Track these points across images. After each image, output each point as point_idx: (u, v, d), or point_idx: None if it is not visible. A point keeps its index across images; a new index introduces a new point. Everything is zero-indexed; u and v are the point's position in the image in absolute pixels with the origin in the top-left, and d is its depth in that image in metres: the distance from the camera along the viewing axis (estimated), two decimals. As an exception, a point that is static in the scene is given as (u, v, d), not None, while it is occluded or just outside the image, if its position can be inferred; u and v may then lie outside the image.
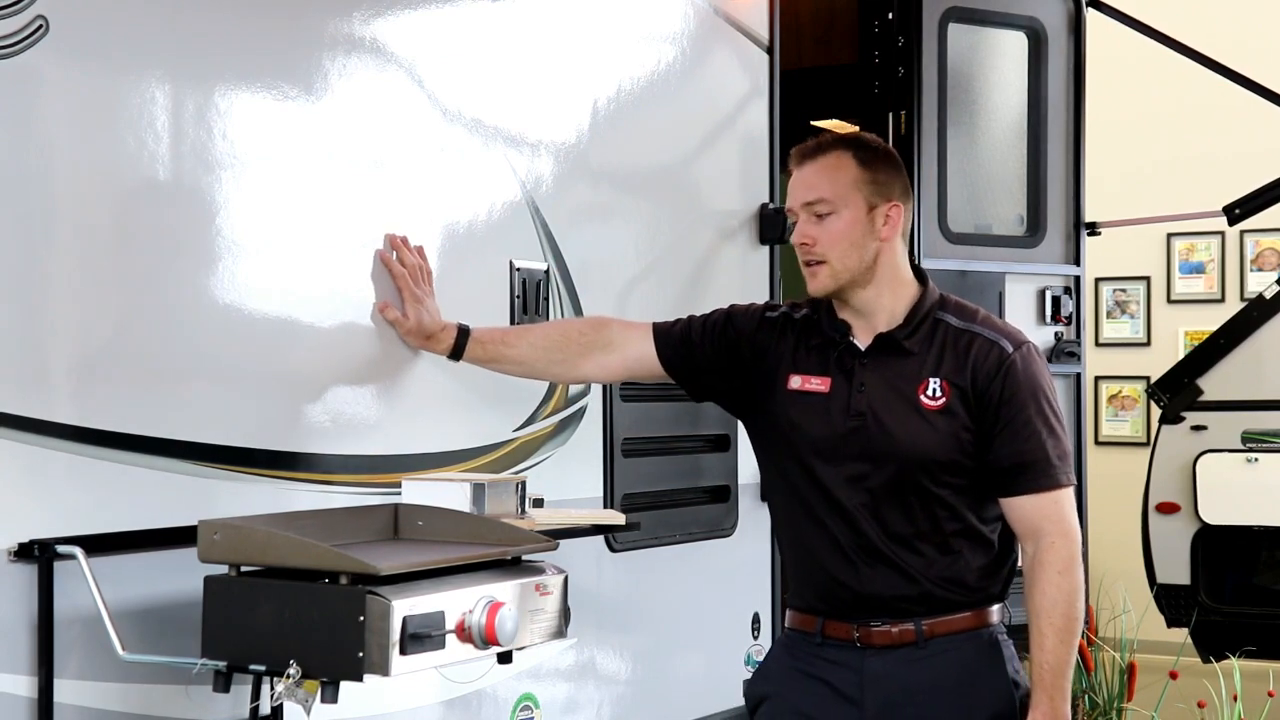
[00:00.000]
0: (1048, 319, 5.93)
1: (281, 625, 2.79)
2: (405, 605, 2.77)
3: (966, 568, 3.05)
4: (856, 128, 6.06)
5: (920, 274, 3.18)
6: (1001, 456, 3.03)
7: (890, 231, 3.10)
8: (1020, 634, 3.04)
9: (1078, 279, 6.04)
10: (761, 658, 4.20)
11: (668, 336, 3.34)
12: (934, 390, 3.04)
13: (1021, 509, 3.04)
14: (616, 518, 3.84)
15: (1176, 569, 6.66)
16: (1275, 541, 6.62)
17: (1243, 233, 8.74)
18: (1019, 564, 3.14)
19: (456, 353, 3.48)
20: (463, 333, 3.48)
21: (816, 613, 3.12)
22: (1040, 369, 3.10)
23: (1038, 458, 3.03)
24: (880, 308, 3.10)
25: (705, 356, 3.28)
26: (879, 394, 3.06)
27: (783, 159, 4.95)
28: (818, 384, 3.12)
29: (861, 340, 3.10)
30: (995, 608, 3.10)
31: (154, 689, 3.03)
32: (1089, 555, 5.99)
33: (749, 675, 3.64)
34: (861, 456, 3.03)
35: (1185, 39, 6.16)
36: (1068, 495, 3.07)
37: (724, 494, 4.69)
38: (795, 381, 3.14)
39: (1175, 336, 9.18)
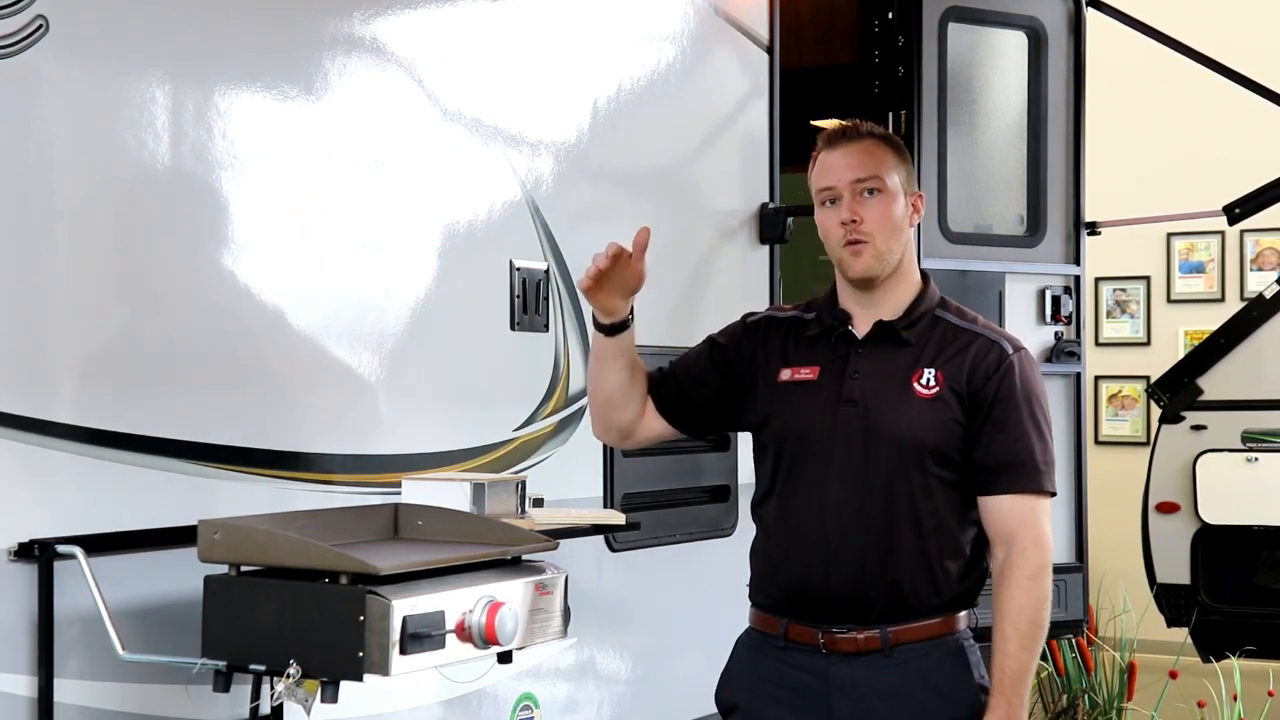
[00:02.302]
0: (1048, 319, 5.93)
1: (281, 625, 2.79)
2: (405, 605, 2.77)
3: (938, 571, 3.02)
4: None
5: (922, 272, 3.19)
6: (989, 454, 3.02)
7: (915, 220, 3.13)
8: (985, 636, 3.03)
9: (1078, 279, 6.03)
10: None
11: (658, 387, 3.23)
12: (928, 379, 3.04)
13: (999, 510, 3.03)
14: (616, 517, 3.84)
15: (1176, 569, 6.66)
16: (1275, 541, 6.62)
17: (1243, 232, 8.74)
18: (989, 572, 3.12)
19: (619, 327, 3.11)
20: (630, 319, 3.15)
21: (781, 613, 3.09)
22: (1036, 376, 3.10)
23: (1024, 459, 3.03)
24: (890, 298, 3.10)
25: (696, 388, 3.22)
26: (872, 381, 3.05)
27: (783, 159, 4.96)
28: (807, 373, 3.10)
29: (860, 330, 3.10)
30: (963, 614, 3.08)
31: (154, 689, 3.03)
32: (1089, 555, 6.00)
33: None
34: (852, 443, 3.02)
35: (1185, 39, 6.16)
36: (1046, 504, 3.05)
37: (724, 494, 4.69)
38: (785, 374, 3.12)
39: (1175, 336, 9.18)
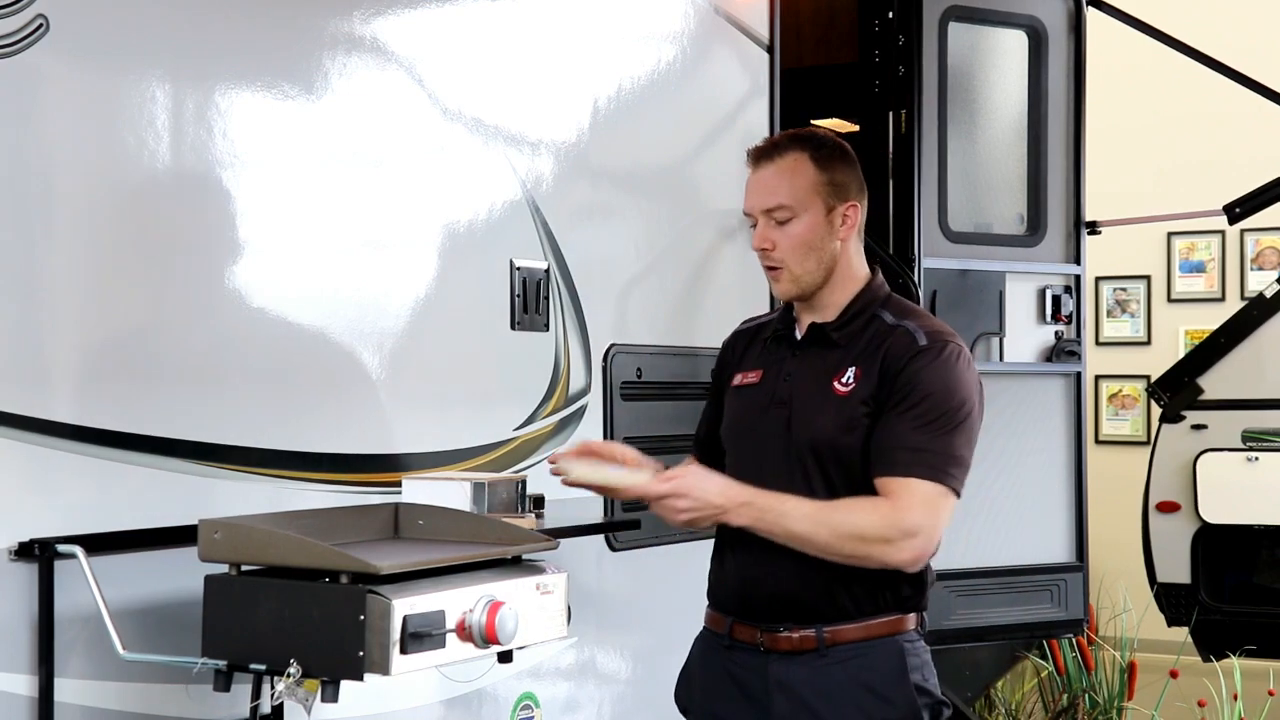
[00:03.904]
0: (1048, 318, 5.93)
1: (282, 624, 2.79)
2: (406, 604, 2.77)
3: (875, 572, 2.98)
4: (856, 127, 6.07)
5: (873, 267, 3.17)
6: (880, 438, 2.96)
7: (848, 232, 3.10)
8: (939, 640, 3.00)
9: (1078, 278, 6.04)
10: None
11: (703, 459, 3.30)
12: (848, 378, 3.04)
13: (886, 490, 2.93)
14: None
15: (1177, 568, 6.66)
16: (1275, 540, 6.62)
17: (1243, 231, 8.74)
18: (931, 571, 3.10)
19: None
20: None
21: (727, 612, 3.13)
22: (955, 370, 3.00)
23: (897, 444, 2.94)
24: (830, 302, 3.12)
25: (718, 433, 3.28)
26: (801, 383, 3.08)
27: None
28: (752, 377, 3.17)
29: (800, 333, 3.14)
30: (910, 616, 3.06)
31: (154, 688, 3.04)
32: (1090, 555, 6.01)
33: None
34: (779, 444, 3.05)
35: (1186, 39, 6.16)
36: (924, 491, 2.92)
37: (724, 493, 4.69)
38: (737, 379, 3.20)
39: (1175, 335, 9.18)
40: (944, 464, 2.94)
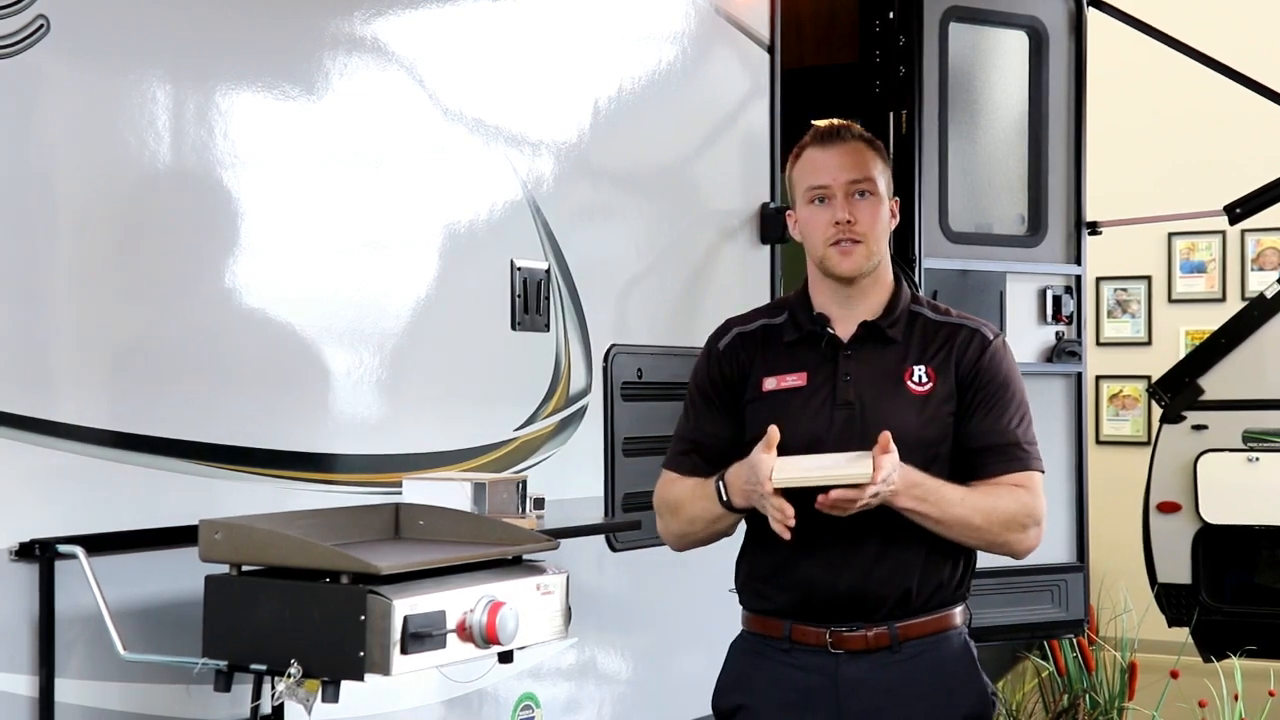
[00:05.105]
0: (1048, 318, 5.93)
1: (282, 625, 2.79)
2: (406, 604, 2.77)
3: (944, 566, 3.04)
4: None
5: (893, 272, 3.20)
6: (975, 438, 3.05)
7: (894, 224, 3.15)
8: (983, 636, 3.02)
9: (1079, 278, 6.03)
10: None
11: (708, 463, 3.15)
12: (920, 376, 3.06)
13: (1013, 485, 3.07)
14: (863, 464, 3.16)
15: (1177, 568, 6.65)
16: (1276, 541, 6.61)
17: (1244, 232, 8.72)
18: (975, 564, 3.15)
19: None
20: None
21: (783, 616, 3.08)
22: (1014, 360, 3.17)
23: (1008, 441, 3.06)
24: (870, 298, 3.11)
25: (724, 444, 3.12)
26: (867, 382, 3.06)
27: (784, 159, 4.95)
28: (794, 379, 3.10)
29: (842, 332, 3.10)
30: (959, 609, 3.09)
31: (155, 688, 3.04)
32: (1090, 555, 6.01)
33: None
34: (852, 445, 2.99)
35: (1186, 39, 6.15)
36: (1040, 481, 3.08)
37: (725, 493, 4.69)
38: (770, 383, 3.11)
39: (1176, 336, 9.17)
40: (1038, 453, 3.11)
